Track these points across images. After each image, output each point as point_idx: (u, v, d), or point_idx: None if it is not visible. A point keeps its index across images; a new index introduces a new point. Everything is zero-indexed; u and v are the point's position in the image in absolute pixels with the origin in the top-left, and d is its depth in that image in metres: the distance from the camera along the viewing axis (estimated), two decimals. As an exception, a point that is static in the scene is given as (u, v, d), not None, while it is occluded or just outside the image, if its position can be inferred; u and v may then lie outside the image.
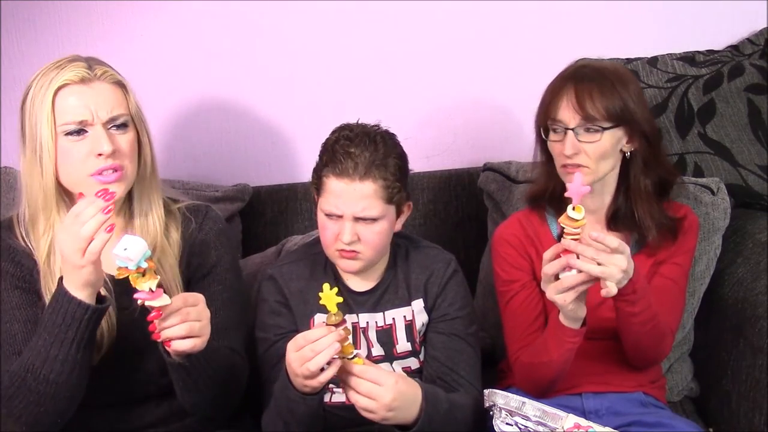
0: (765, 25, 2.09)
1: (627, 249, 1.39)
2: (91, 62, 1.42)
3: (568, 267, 1.39)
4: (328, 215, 1.49)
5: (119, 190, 1.40)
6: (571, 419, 1.36)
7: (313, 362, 1.29)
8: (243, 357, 1.56)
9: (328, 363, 1.30)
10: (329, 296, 1.30)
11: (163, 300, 1.27)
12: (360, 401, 1.33)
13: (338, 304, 1.30)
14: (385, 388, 1.33)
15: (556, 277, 1.41)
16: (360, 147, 1.46)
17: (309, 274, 1.60)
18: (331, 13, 2.04)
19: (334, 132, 1.53)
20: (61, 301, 1.30)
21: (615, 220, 1.60)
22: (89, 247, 1.25)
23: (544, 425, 1.37)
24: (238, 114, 2.09)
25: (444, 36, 2.08)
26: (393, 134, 1.54)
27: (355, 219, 1.47)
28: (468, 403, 1.50)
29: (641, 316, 1.48)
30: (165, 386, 1.47)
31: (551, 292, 1.40)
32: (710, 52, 2.06)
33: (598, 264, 1.36)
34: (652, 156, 1.58)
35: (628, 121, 1.53)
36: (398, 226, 1.56)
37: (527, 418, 1.38)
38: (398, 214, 1.54)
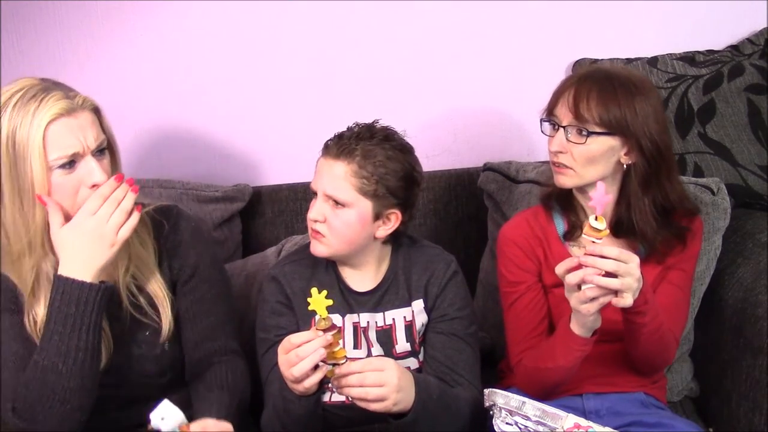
0: (765, 25, 2.09)
1: (636, 258, 1.37)
2: (64, 89, 1.38)
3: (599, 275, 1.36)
4: (313, 193, 1.52)
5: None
6: (571, 419, 1.36)
7: (297, 368, 1.29)
8: (242, 356, 1.58)
9: (315, 368, 1.30)
10: (318, 300, 1.29)
11: None
12: (370, 393, 1.33)
13: (335, 305, 1.29)
14: (389, 371, 1.33)
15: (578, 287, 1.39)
16: (353, 134, 1.50)
17: (310, 273, 1.60)
18: (332, 14, 2.04)
19: None
20: (69, 290, 1.33)
21: (619, 229, 1.59)
22: (127, 222, 1.35)
23: (544, 425, 1.36)
24: (238, 114, 2.09)
25: (444, 36, 2.08)
26: (406, 144, 1.55)
27: (325, 198, 1.49)
28: (463, 396, 1.50)
29: (650, 326, 1.47)
30: (164, 385, 1.49)
31: (575, 302, 1.39)
32: (710, 52, 2.06)
33: (617, 277, 1.35)
34: (653, 174, 1.53)
35: (623, 132, 1.50)
36: (380, 233, 1.54)
37: (527, 418, 1.38)
38: (377, 217, 1.52)
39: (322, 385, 1.37)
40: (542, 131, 1.57)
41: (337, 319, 1.55)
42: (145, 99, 2.06)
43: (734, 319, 1.73)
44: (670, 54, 2.04)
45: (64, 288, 1.33)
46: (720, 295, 1.79)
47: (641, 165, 1.53)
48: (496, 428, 1.40)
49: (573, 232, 1.61)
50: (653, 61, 2.03)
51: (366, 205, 1.50)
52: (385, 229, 1.54)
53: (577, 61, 2.06)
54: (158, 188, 1.96)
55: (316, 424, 1.43)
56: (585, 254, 1.36)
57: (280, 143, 2.11)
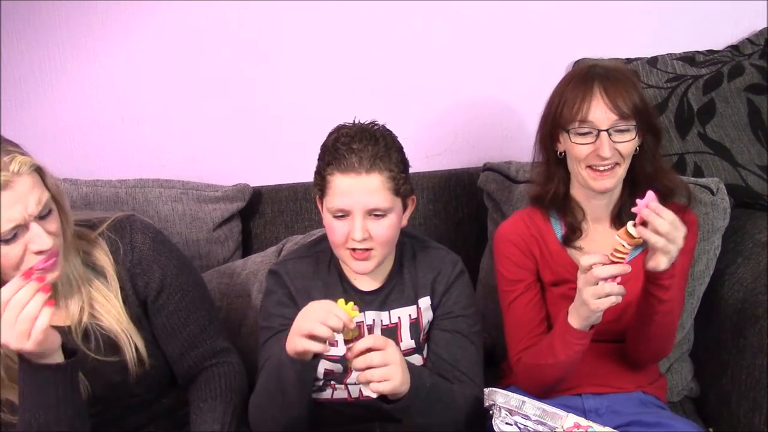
0: (765, 25, 2.09)
1: (684, 229, 1.39)
2: None
3: (612, 279, 1.37)
4: (336, 215, 1.47)
5: (57, 273, 1.33)
6: (570, 419, 1.36)
7: (321, 329, 1.27)
8: (233, 351, 1.57)
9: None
10: (345, 311, 1.28)
11: None
12: (375, 374, 1.31)
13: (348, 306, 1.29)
14: (391, 349, 1.32)
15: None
16: (362, 142, 1.46)
17: (312, 272, 1.59)
18: (332, 13, 2.04)
19: (331, 133, 1.52)
20: (32, 377, 1.27)
21: (619, 219, 1.60)
22: (35, 327, 1.21)
23: (544, 424, 1.36)
24: (238, 114, 2.10)
25: (444, 36, 2.08)
26: (390, 130, 1.55)
27: (365, 214, 1.46)
28: (457, 389, 1.50)
29: (667, 306, 1.47)
30: (155, 395, 1.51)
31: (589, 294, 1.39)
32: (710, 52, 2.06)
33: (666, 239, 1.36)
34: (656, 148, 1.58)
35: (644, 116, 1.53)
36: (404, 221, 1.56)
37: (527, 417, 1.38)
38: (404, 208, 1.54)
39: (317, 357, 1.35)
40: (573, 142, 1.54)
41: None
42: (145, 99, 2.06)
43: (734, 319, 1.73)
44: (670, 54, 2.04)
45: (29, 374, 1.26)
46: (720, 295, 1.79)
47: (649, 142, 1.57)
48: (495, 428, 1.40)
49: (572, 234, 1.61)
50: (653, 61, 2.03)
51: (399, 203, 1.51)
52: (407, 216, 1.56)
53: (577, 61, 2.06)
54: (158, 188, 1.96)
55: (305, 398, 1.41)
56: (646, 207, 1.35)
57: (280, 143, 2.11)
